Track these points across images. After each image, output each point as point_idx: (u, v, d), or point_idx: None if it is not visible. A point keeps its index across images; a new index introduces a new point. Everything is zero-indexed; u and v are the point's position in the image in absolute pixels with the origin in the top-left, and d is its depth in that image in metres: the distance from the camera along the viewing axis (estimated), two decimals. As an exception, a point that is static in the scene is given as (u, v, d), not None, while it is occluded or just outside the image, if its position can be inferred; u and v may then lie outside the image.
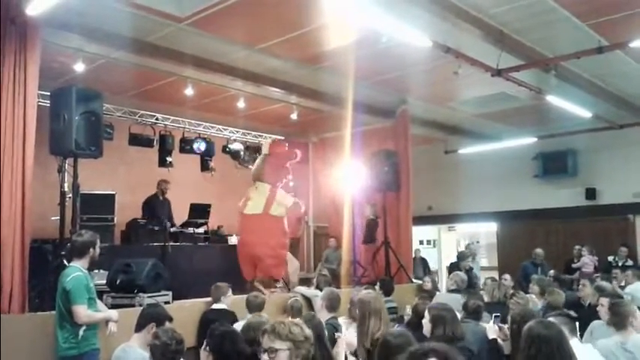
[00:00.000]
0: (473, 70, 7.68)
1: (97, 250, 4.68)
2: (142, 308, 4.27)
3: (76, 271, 4.46)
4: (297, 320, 2.55)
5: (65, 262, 4.72)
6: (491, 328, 4.19)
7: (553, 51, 7.62)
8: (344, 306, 5.32)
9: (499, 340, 4.16)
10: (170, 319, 3.96)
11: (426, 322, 3.81)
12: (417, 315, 4.45)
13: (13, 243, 5.22)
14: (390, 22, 6.01)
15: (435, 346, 1.92)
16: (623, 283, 8.01)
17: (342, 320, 5.06)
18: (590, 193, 11.92)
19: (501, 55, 7.19)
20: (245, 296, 6.13)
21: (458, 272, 7.45)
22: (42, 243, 6.92)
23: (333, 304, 4.90)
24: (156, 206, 9.05)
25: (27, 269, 5.34)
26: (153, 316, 3.93)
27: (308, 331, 2.48)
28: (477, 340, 4.19)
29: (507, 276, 9.24)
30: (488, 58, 7.36)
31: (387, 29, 6.25)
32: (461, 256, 10.17)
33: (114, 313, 4.74)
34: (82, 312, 4.40)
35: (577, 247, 10.90)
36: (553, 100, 8.91)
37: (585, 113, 9.88)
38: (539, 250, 10.53)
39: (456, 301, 5.38)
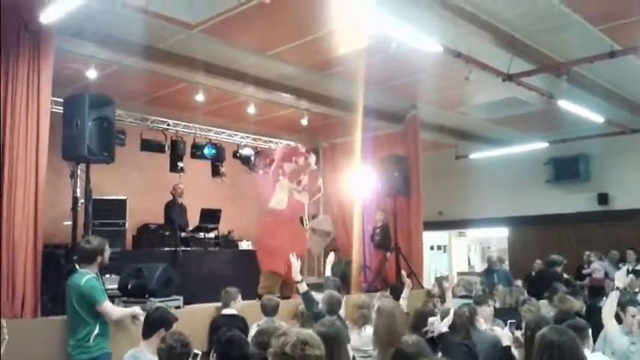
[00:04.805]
0: (484, 75, 7.66)
1: (106, 256, 4.70)
2: (146, 314, 4.26)
3: (87, 274, 4.50)
4: (305, 334, 2.44)
5: (77, 266, 4.76)
6: (506, 335, 4.15)
7: (564, 55, 7.58)
8: (351, 310, 5.30)
9: (513, 348, 4.12)
10: (176, 320, 3.98)
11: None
12: (418, 318, 4.42)
13: (25, 248, 5.26)
14: (401, 27, 6.01)
15: None
16: (637, 290, 7.92)
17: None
18: (603, 199, 11.82)
19: (512, 59, 7.17)
20: (253, 301, 6.15)
21: (463, 277, 7.42)
22: (54, 248, 6.97)
23: (332, 308, 4.89)
24: (173, 211, 9.14)
25: (39, 274, 5.39)
26: (162, 321, 3.95)
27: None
28: (486, 349, 4.17)
29: (519, 282, 9.19)
30: (500, 63, 7.34)
31: (397, 35, 6.25)
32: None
33: (138, 309, 4.70)
34: (110, 307, 4.51)
35: (586, 252, 10.84)
36: (565, 104, 8.86)
37: (597, 118, 9.82)
38: (492, 256, 10.64)
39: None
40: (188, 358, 3.25)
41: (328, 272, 5.84)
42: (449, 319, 3.84)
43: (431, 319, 3.78)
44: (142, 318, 4.38)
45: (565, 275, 9.29)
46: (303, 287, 4.74)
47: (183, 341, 3.27)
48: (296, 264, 4.87)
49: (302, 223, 7.72)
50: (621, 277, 4.26)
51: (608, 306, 4.04)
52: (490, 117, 11.02)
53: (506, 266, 10.73)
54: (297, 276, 4.84)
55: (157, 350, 3.31)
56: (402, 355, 2.79)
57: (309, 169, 7.87)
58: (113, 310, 4.56)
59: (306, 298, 4.71)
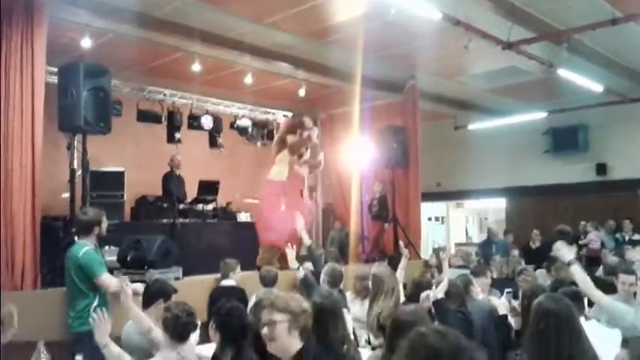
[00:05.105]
0: (483, 44, 7.56)
1: (104, 227, 4.67)
2: (145, 285, 4.25)
3: (85, 245, 4.49)
4: (295, 294, 2.59)
5: (76, 238, 4.76)
6: (503, 304, 4.19)
7: (565, 23, 7.48)
8: (350, 281, 5.34)
9: (509, 317, 4.16)
10: (175, 292, 4.00)
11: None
12: (415, 288, 4.46)
13: (23, 220, 5.28)
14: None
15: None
16: (634, 259, 7.97)
17: (347, 295, 5.10)
18: (601, 169, 11.82)
19: (512, 27, 7.08)
20: (252, 272, 6.17)
21: (461, 247, 7.45)
22: (52, 220, 6.95)
23: (334, 281, 4.92)
24: (171, 182, 9.13)
25: (38, 246, 5.41)
26: (161, 292, 3.96)
27: (306, 304, 2.57)
28: (482, 317, 4.22)
29: (515, 252, 9.23)
30: (499, 32, 7.25)
31: (396, 0, 6.15)
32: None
33: (139, 285, 4.54)
34: (108, 280, 4.45)
35: (582, 222, 10.85)
36: (564, 73, 8.78)
37: (597, 87, 9.75)
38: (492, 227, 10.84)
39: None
40: (193, 328, 3.28)
41: (306, 239, 5.80)
42: (444, 285, 3.88)
43: (423, 295, 3.80)
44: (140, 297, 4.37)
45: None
46: (300, 273, 4.76)
47: (189, 311, 3.30)
48: (291, 252, 4.87)
49: (301, 195, 7.71)
50: (564, 251, 4.12)
51: (581, 280, 4.01)
52: (489, 86, 10.94)
53: (509, 238, 10.71)
54: (293, 264, 4.86)
55: (162, 320, 3.33)
56: (399, 324, 2.79)
57: (310, 143, 7.83)
58: (111, 283, 4.49)
59: (306, 284, 4.71)
